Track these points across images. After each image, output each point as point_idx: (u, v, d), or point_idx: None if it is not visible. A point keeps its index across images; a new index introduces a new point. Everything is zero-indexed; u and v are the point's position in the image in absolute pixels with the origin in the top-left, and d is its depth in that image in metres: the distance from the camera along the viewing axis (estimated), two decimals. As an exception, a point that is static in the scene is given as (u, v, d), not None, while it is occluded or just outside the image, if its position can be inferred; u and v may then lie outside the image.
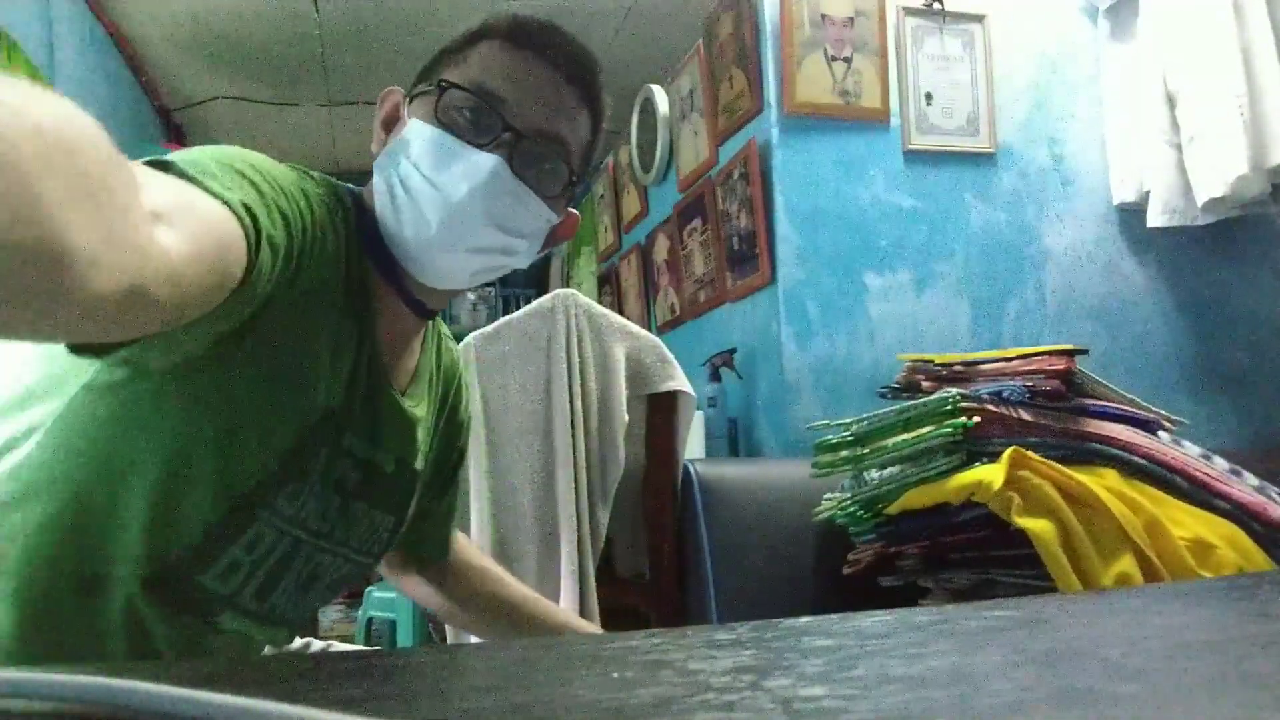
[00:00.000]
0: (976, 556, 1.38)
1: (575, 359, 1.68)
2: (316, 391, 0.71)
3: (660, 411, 1.75)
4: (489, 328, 1.68)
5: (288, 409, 0.69)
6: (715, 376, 2.14)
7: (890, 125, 2.09)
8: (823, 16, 2.09)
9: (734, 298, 2.23)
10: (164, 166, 0.54)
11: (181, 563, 0.68)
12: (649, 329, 2.25)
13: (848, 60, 2.09)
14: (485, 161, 0.72)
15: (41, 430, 0.65)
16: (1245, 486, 1.40)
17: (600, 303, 2.15)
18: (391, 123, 0.79)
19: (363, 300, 0.74)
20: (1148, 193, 2.08)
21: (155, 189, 0.46)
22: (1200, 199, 1.97)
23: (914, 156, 2.09)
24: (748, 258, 2.14)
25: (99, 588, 0.66)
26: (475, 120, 0.73)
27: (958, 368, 1.55)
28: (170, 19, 3.21)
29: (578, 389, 1.68)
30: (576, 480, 1.64)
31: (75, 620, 0.66)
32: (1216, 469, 1.42)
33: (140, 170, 0.46)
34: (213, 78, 3.69)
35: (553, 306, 1.69)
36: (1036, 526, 1.30)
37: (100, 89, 3.13)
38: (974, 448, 1.41)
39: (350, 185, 0.79)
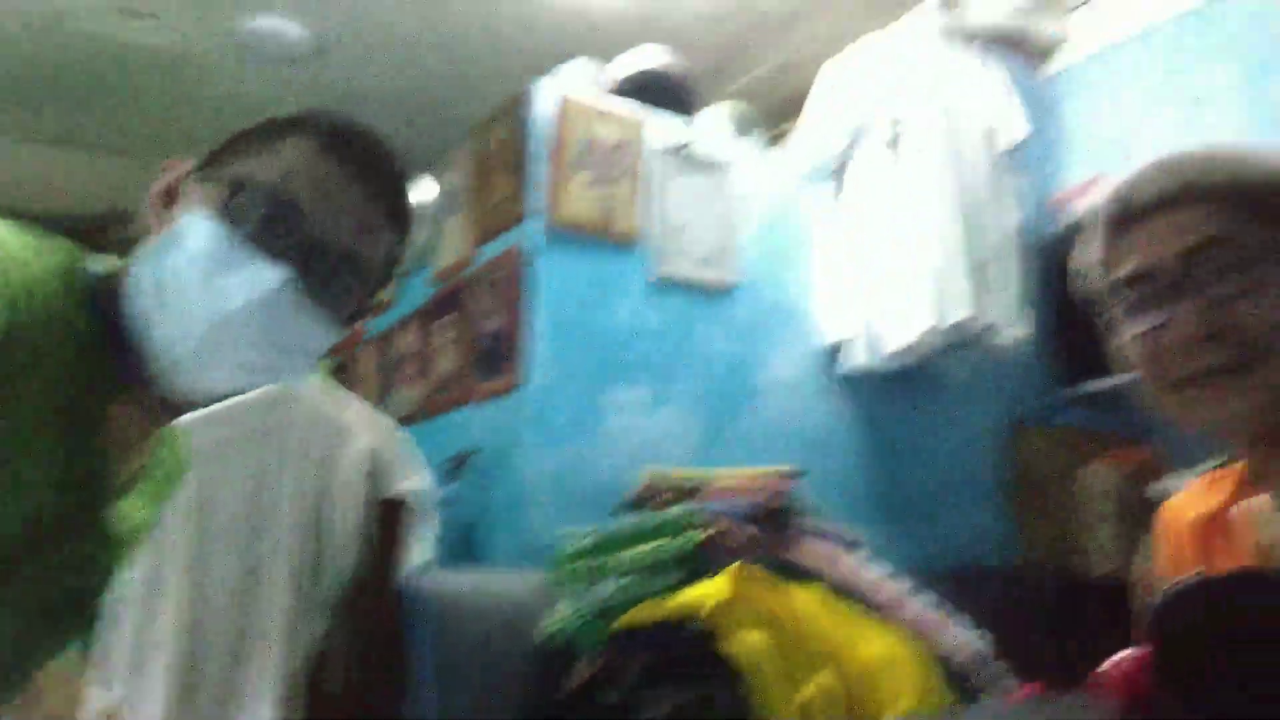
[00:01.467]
0: (692, 673, 1.44)
1: (300, 454, 1.57)
2: (21, 503, 0.62)
3: (390, 518, 1.67)
4: (212, 409, 1.53)
5: None
6: (452, 477, 2.09)
7: (641, 250, 2.23)
8: (590, 141, 2.21)
9: (478, 398, 2.22)
10: None
11: None
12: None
13: (608, 184, 2.22)
14: (269, 274, 0.66)
15: None
16: (924, 606, 1.58)
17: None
18: (169, 200, 0.71)
19: (93, 403, 0.66)
20: (847, 340, 2.37)
21: None
22: (888, 348, 2.28)
23: (661, 282, 2.24)
24: (496, 359, 2.15)
25: None
26: (268, 227, 0.67)
27: (692, 484, 1.64)
28: None
29: (295, 489, 1.56)
30: (292, 586, 1.52)
31: None
32: (901, 588, 1.61)
33: None
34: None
35: (283, 393, 1.58)
36: (746, 645, 1.38)
37: None
38: (701, 562, 1.49)
39: (91, 265, 0.69)
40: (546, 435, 2.00)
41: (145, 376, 0.68)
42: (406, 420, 2.56)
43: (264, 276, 0.65)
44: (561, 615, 1.54)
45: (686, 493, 1.66)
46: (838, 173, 2.49)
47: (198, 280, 0.65)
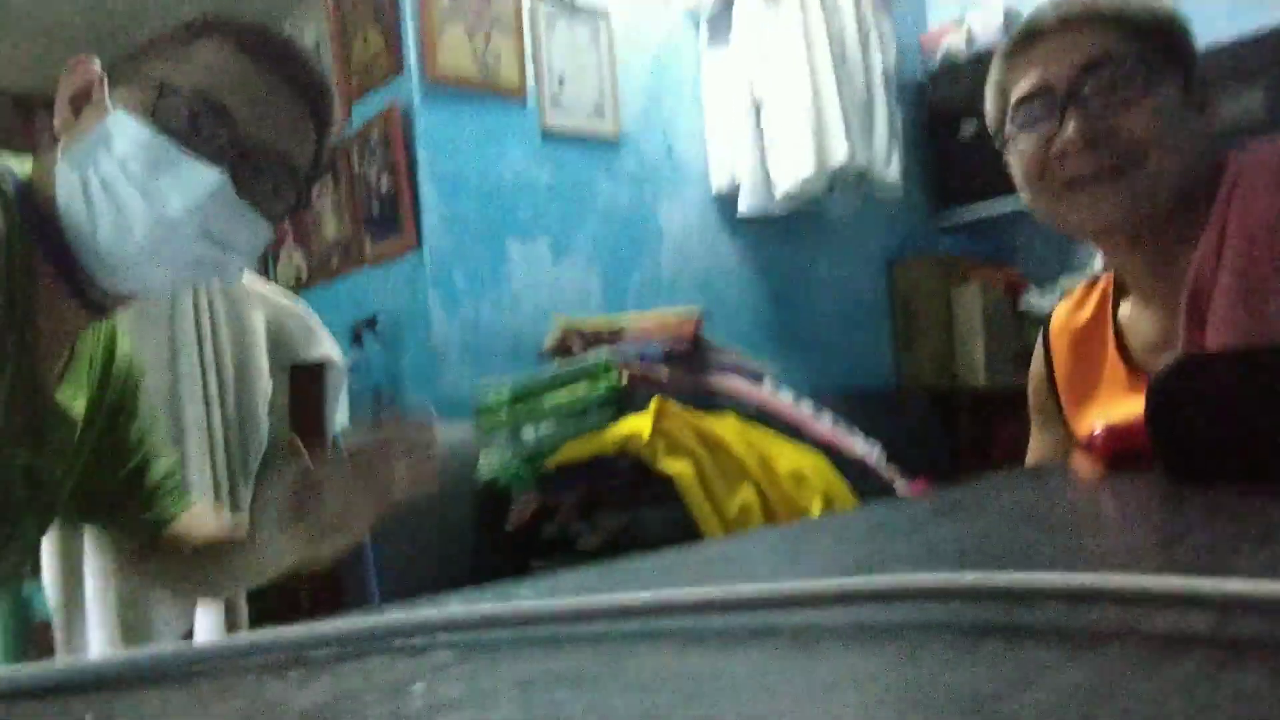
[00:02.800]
0: (627, 500, 1.54)
1: (206, 327, 1.52)
2: None
3: (305, 382, 1.66)
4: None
5: None
6: (356, 342, 2.07)
7: (527, 103, 2.18)
8: (463, -13, 2.10)
9: (372, 261, 2.17)
10: None
11: None
12: (278, 295, 2.09)
13: (486, 36, 2.13)
14: (207, 176, 0.66)
15: None
16: (825, 424, 1.73)
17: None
18: (81, 100, 0.69)
19: (23, 302, 0.65)
20: (739, 185, 2.43)
21: None
22: (777, 192, 2.36)
23: (549, 134, 2.20)
24: (389, 221, 2.10)
25: None
26: (198, 129, 0.67)
27: (605, 331, 1.69)
28: None
29: (211, 359, 1.52)
30: (214, 455, 1.50)
31: None
32: (805, 411, 1.74)
33: None
34: None
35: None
36: (678, 469, 1.48)
37: None
38: (623, 403, 1.57)
39: (9, 168, 0.67)
40: (449, 294, 2.00)
41: (79, 276, 0.68)
42: (293, 288, 2.48)
43: (200, 178, 0.66)
44: (492, 461, 1.59)
45: (600, 338, 1.71)
46: (718, 18, 2.47)
47: (133, 183, 0.65)
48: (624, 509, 1.52)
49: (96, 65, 0.70)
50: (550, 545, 1.54)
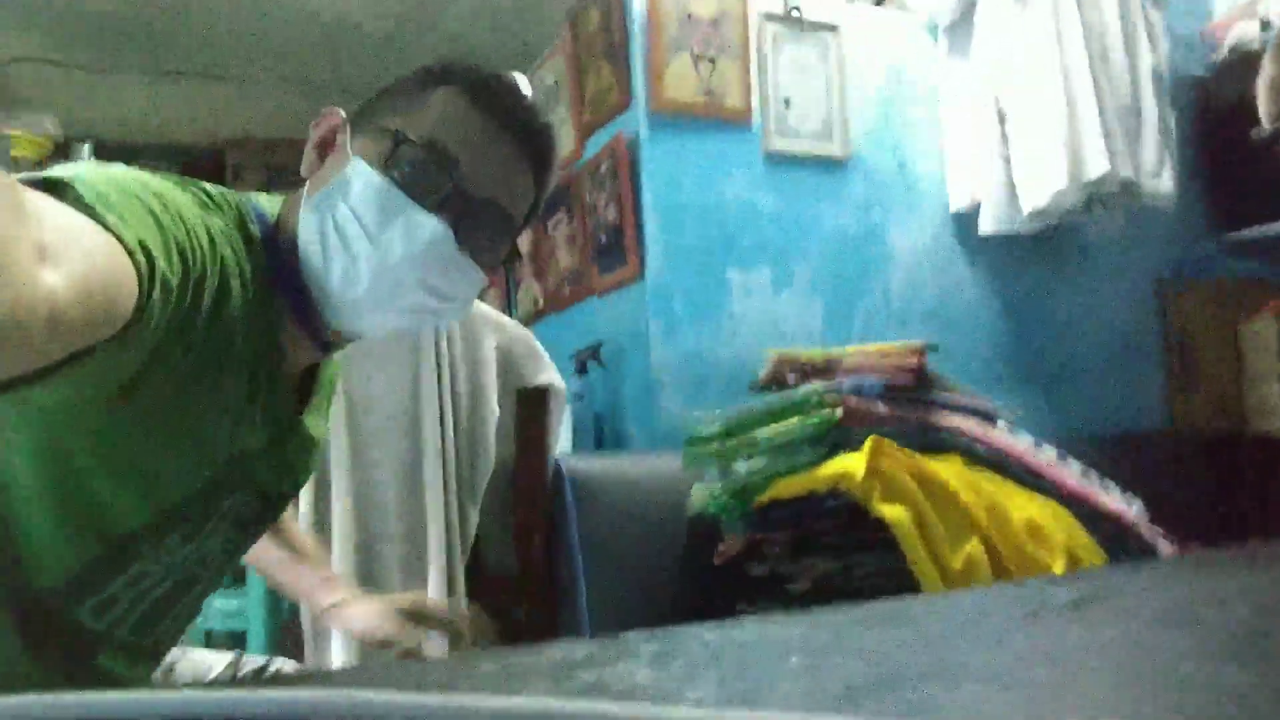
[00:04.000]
0: (839, 543, 1.46)
1: (444, 353, 1.64)
2: (222, 439, 0.67)
3: (531, 406, 1.73)
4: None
5: (185, 460, 0.65)
6: (582, 370, 2.14)
7: (752, 126, 2.15)
8: (689, 16, 2.12)
9: (600, 291, 2.24)
10: (61, 190, 0.50)
11: (53, 597, 0.62)
12: (513, 322, 2.21)
13: (712, 61, 2.14)
14: (429, 224, 0.68)
15: None
16: (1072, 473, 1.54)
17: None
18: (327, 147, 0.74)
19: (270, 339, 0.70)
20: (979, 201, 2.25)
21: (46, 220, 0.43)
22: (1025, 209, 2.15)
23: (774, 158, 2.17)
24: (614, 251, 2.15)
25: None
26: (424, 178, 0.69)
27: (820, 362, 1.62)
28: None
29: (446, 384, 1.63)
30: (445, 477, 1.60)
31: None
32: (1047, 457, 1.56)
33: (32, 198, 0.43)
34: (19, 35, 3.32)
35: (420, 298, 1.64)
36: (894, 514, 1.38)
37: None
38: (837, 439, 1.49)
39: (258, 206, 0.72)
40: (670, 323, 2.01)
41: (311, 314, 0.72)
42: (532, 318, 2.62)
43: (423, 227, 0.68)
44: (702, 494, 1.57)
45: (816, 371, 1.64)
46: (959, 25, 2.32)
47: (362, 231, 0.68)
48: (836, 553, 1.44)
49: (341, 114, 0.75)
50: (759, 585, 1.50)
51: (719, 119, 2.13)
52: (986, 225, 2.23)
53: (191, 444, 0.65)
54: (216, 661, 0.97)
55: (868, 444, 1.43)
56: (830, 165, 2.22)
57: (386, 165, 0.69)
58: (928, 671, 0.30)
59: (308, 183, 0.73)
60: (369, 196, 0.68)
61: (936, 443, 1.55)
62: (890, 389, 1.55)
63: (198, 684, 0.91)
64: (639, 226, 2.06)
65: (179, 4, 3.15)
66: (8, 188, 0.38)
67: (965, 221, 2.31)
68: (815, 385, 1.56)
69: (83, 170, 0.53)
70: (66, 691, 0.26)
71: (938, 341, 1.73)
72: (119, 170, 0.56)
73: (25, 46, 3.39)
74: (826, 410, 1.48)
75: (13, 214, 0.38)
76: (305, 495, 1.58)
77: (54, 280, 0.41)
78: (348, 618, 1.02)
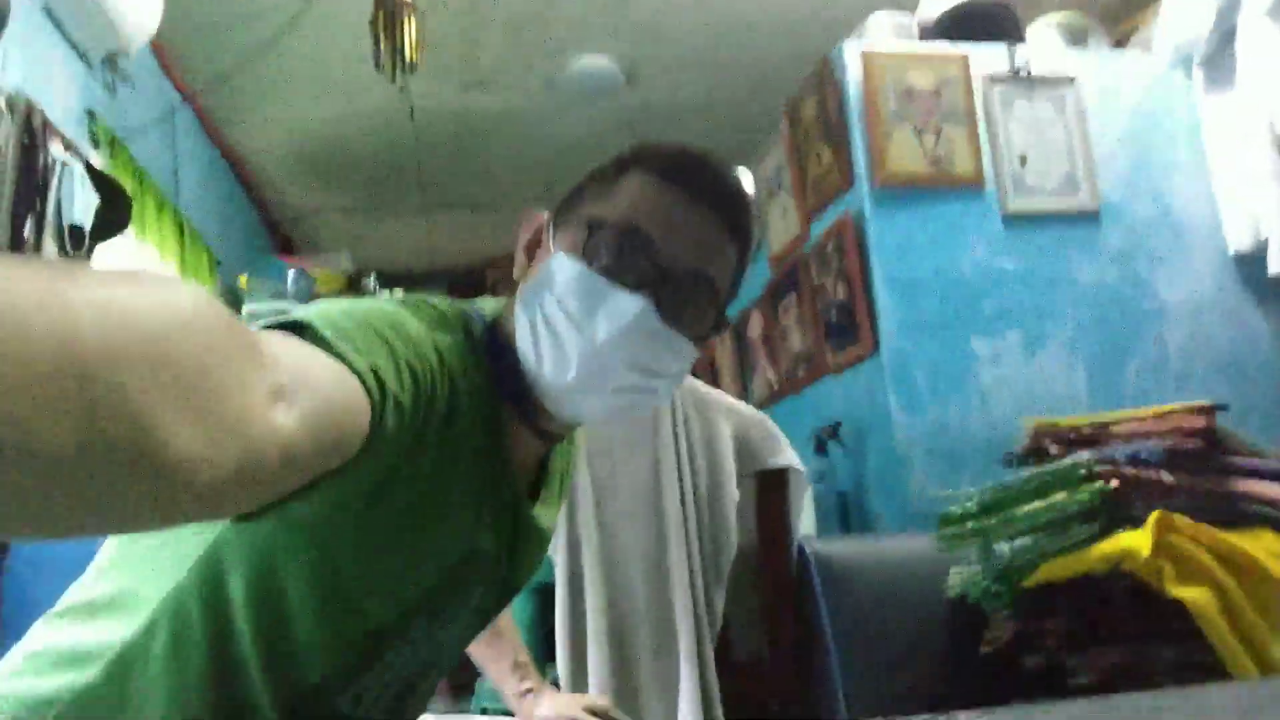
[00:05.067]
0: (1128, 632, 1.29)
1: (683, 439, 1.68)
2: (458, 536, 0.71)
3: (770, 489, 1.72)
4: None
5: (426, 558, 0.69)
6: (821, 450, 2.10)
7: (985, 190, 2.07)
8: (908, 90, 2.10)
9: (834, 370, 2.20)
10: (300, 329, 0.55)
11: (314, 692, 0.68)
12: (750, 407, 2.23)
13: (937, 131, 2.10)
14: (630, 303, 0.69)
15: (166, 569, 0.65)
16: None
17: (699, 382, 2.14)
18: (534, 248, 0.78)
19: (497, 438, 0.73)
20: (1265, 240, 2.00)
21: (279, 360, 0.46)
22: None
23: (1013, 219, 2.06)
24: (846, 329, 2.12)
25: (240, 718, 0.66)
26: (621, 260, 0.70)
27: (1086, 430, 1.48)
28: (280, 139, 3.45)
29: (686, 469, 1.66)
30: (690, 562, 1.61)
31: None
32: (1388, 527, 1.31)
33: (268, 339, 0.47)
34: (317, 191, 3.93)
35: (660, 386, 1.70)
36: (1193, 596, 1.21)
37: (218, 207, 3.36)
38: (1114, 514, 1.34)
39: (480, 312, 0.77)
40: (911, 398, 1.93)
41: (529, 407, 0.74)
42: (768, 401, 2.63)
43: (624, 307, 0.69)
44: (962, 577, 1.47)
45: (1082, 440, 1.50)
46: (1216, 57, 2.12)
47: (569, 319, 0.70)
48: (1125, 641, 1.28)
49: (545, 215, 0.78)
50: (1034, 678, 1.35)
51: (948, 187, 2.07)
52: (1276, 266, 1.97)
53: (431, 544, 0.69)
54: None
55: (1152, 518, 1.28)
56: (1078, 219, 2.08)
57: (585, 253, 0.71)
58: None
59: (519, 284, 0.76)
60: (571, 285, 0.70)
61: (1238, 514, 1.35)
62: (1174, 455, 1.38)
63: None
64: (870, 302, 2.02)
65: (450, 147, 3.58)
66: (236, 341, 0.41)
67: (1250, 263, 2.05)
68: (1082, 455, 1.42)
69: (320, 308, 0.59)
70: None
71: (1228, 399, 1.53)
72: (352, 303, 0.62)
73: (321, 199, 3.99)
74: (1098, 482, 1.34)
75: (249, 357, 0.41)
76: (560, 584, 1.65)
77: (287, 420, 0.44)
78: (539, 706, 1.04)
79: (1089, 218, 2.08)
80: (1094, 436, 1.48)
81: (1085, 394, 1.95)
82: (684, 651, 1.53)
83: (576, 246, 0.71)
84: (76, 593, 0.69)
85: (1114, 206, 2.09)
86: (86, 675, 0.64)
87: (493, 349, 0.74)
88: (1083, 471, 1.38)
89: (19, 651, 0.68)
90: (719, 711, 1.58)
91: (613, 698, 1.53)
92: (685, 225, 0.72)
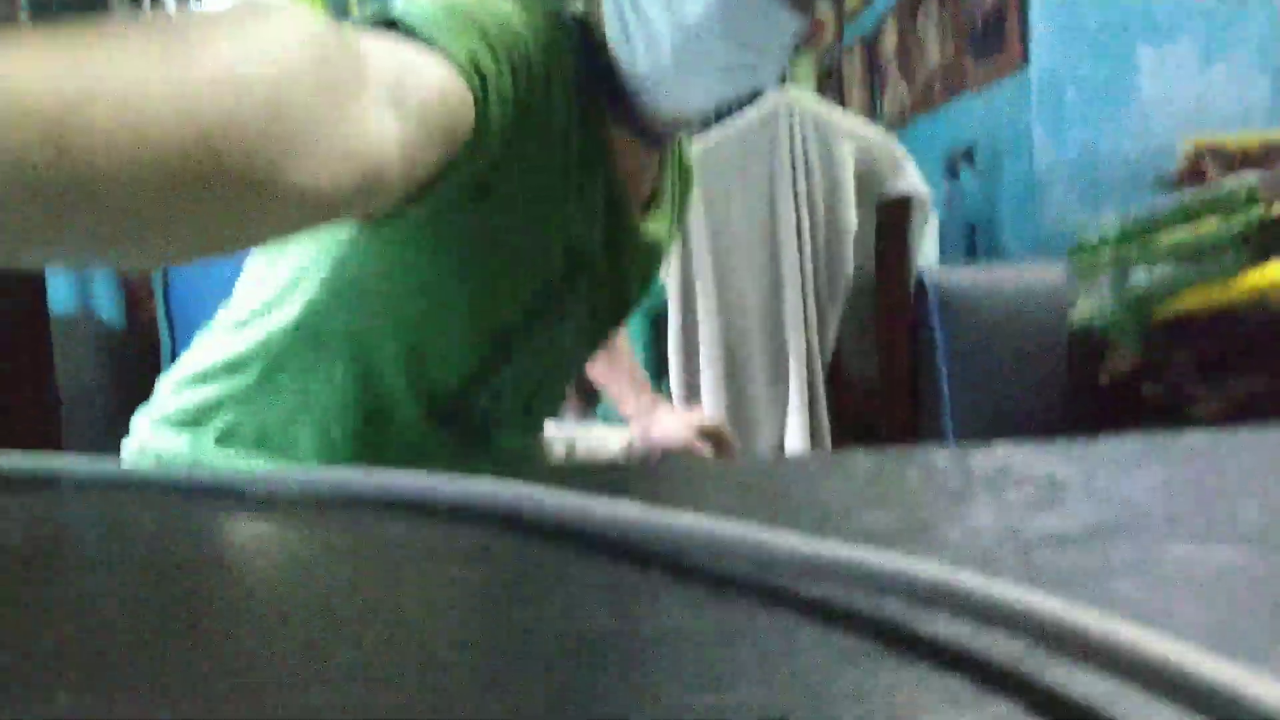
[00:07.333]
0: (1263, 363, 1.24)
1: (800, 164, 1.61)
2: (563, 232, 0.71)
3: (890, 218, 1.65)
4: (707, 137, 1.63)
5: (535, 251, 0.70)
6: (952, 175, 1.98)
7: None
8: None
9: (974, 86, 2.02)
10: (391, 26, 0.53)
11: (452, 393, 0.72)
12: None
13: None
14: None
15: (305, 280, 0.69)
16: None
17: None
18: None
19: (595, 136, 0.70)
20: None
21: (381, 63, 0.45)
22: None
23: (1209, -104, 1.73)
24: (992, 39, 1.91)
25: (385, 419, 0.71)
26: None
27: (1257, 150, 1.33)
28: None
29: (803, 195, 1.61)
30: (804, 287, 1.61)
31: (368, 449, 0.71)
32: None
33: (365, 43, 0.45)
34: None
35: (774, 110, 1.60)
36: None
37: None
38: (1271, 243, 1.23)
39: (572, 12, 0.72)
40: (1058, 117, 1.77)
41: (633, 105, 0.70)
42: (898, 121, 2.47)
43: None
44: (1090, 306, 1.41)
45: (1250, 161, 1.35)
46: None
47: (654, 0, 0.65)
48: (1257, 373, 1.23)
49: None
50: (1152, 408, 1.33)
51: None
52: None
53: (538, 238, 0.70)
54: (613, 438, 1.10)
55: (1315, 247, 1.17)
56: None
57: None
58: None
59: None
60: None
61: None
62: (1357, 179, 1.23)
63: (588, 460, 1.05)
64: (1023, 7, 1.79)
65: None
66: (350, 58, 0.40)
67: None
68: (1248, 178, 1.29)
69: (408, 4, 0.56)
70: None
71: None
72: None
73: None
74: (1258, 206, 1.23)
75: (358, 80, 0.41)
76: (672, 308, 1.69)
77: (398, 126, 0.44)
78: (652, 423, 1.09)
79: (1309, -110, 1.72)
80: (1261, 157, 1.33)
81: (1265, 111, 1.73)
82: (795, 374, 1.58)
83: None
84: (226, 313, 0.75)
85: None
86: (245, 378, 0.71)
87: (586, 48, 0.70)
88: (1245, 195, 1.26)
89: (184, 366, 0.76)
90: (827, 433, 1.65)
91: (725, 415, 1.62)
92: None
